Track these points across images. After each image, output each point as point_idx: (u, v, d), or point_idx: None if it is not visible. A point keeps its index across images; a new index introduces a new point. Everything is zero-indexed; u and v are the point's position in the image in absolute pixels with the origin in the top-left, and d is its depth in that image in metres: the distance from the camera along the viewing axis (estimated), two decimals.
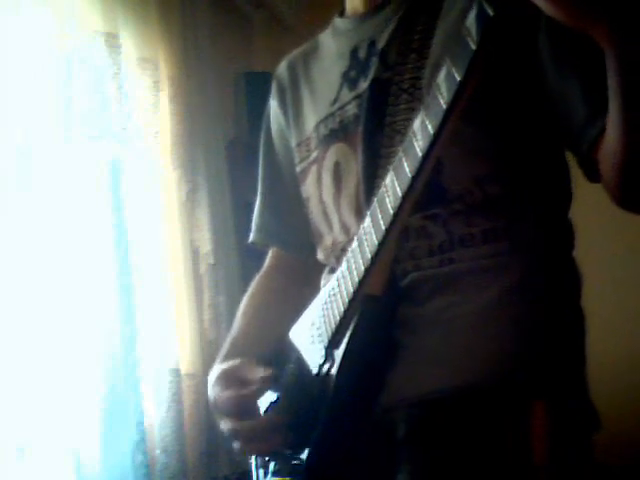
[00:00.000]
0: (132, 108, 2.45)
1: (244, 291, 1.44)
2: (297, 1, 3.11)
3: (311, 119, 1.24)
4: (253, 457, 1.28)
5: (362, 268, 1.05)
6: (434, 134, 0.89)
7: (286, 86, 1.32)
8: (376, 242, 1.02)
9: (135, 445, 2.29)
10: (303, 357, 1.20)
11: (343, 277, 1.10)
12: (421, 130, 0.92)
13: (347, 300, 1.09)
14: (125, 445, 2.27)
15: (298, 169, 1.28)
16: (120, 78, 2.40)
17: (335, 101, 1.19)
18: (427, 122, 0.90)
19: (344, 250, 1.12)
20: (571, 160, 1.05)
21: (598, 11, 0.75)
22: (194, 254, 2.62)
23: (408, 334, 1.07)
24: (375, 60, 1.14)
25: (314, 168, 1.23)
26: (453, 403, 1.03)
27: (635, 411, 2.43)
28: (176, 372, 2.47)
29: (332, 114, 1.19)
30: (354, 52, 1.19)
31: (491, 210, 1.06)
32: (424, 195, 1.03)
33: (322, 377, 1.12)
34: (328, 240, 1.22)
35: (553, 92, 0.99)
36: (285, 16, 3.12)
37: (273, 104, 1.36)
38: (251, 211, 1.45)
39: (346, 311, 1.09)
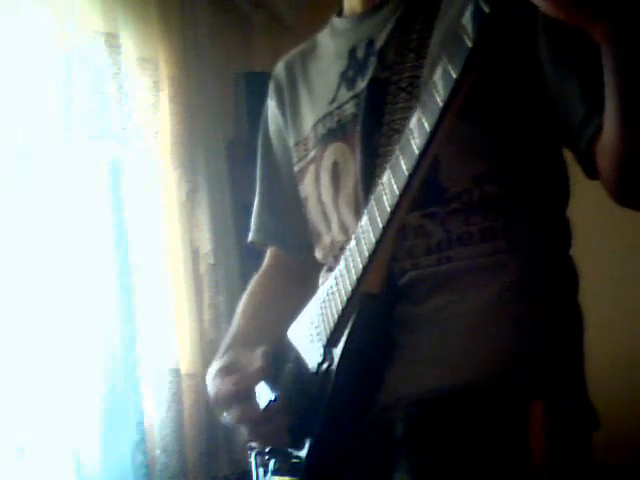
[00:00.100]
0: (132, 108, 2.45)
1: (244, 291, 1.44)
2: (297, 1, 3.11)
3: (309, 119, 1.24)
4: (253, 456, 1.27)
5: (360, 266, 1.05)
6: (431, 132, 0.89)
7: (284, 86, 1.32)
8: (374, 240, 1.02)
9: (135, 445, 2.29)
10: (302, 356, 1.20)
11: (341, 275, 1.10)
12: (418, 128, 0.92)
13: (345, 298, 1.09)
14: (125, 445, 2.27)
15: (296, 168, 1.28)
16: (120, 78, 2.40)
17: (333, 100, 1.19)
18: (424, 120, 0.90)
19: (343, 249, 1.12)
20: (569, 158, 1.05)
21: (596, 9, 0.75)
22: (194, 254, 2.62)
23: (406, 333, 1.07)
24: (373, 60, 1.14)
25: (312, 167, 1.23)
26: (451, 402, 1.03)
27: (634, 410, 2.43)
28: (176, 372, 2.47)
29: (330, 113, 1.19)
30: (352, 52, 1.19)
31: (489, 209, 1.06)
32: (422, 194, 1.03)
33: (321, 376, 1.12)
34: (326, 239, 1.22)
35: (551, 90, 0.99)
36: (285, 16, 3.12)
37: (271, 104, 1.36)
38: (251, 211, 1.45)
39: (344, 309, 1.09)
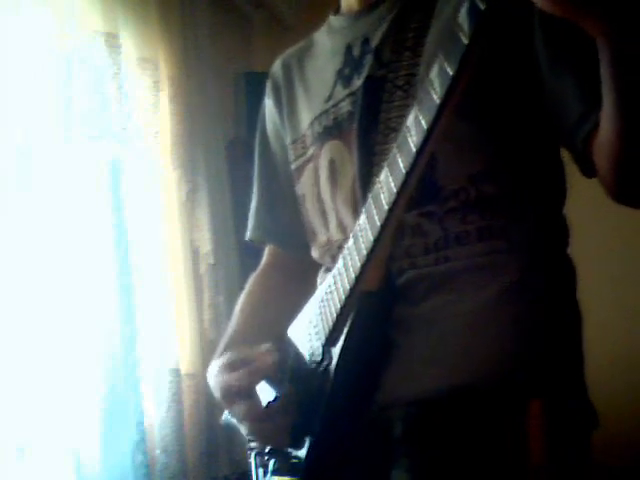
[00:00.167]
0: (132, 108, 2.45)
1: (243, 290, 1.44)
2: (297, 1, 3.11)
3: (306, 117, 1.24)
4: (252, 456, 1.27)
5: (358, 264, 1.05)
6: (428, 129, 0.90)
7: (281, 84, 1.33)
8: (371, 238, 1.02)
9: (135, 445, 2.28)
10: (301, 355, 1.20)
11: (339, 274, 1.10)
12: (415, 125, 0.92)
13: (344, 297, 1.09)
14: (125, 445, 2.27)
15: (293, 167, 1.28)
16: (120, 78, 2.39)
17: (329, 98, 1.19)
18: (420, 117, 0.90)
19: (340, 248, 1.12)
20: (566, 156, 1.05)
21: (591, 4, 0.76)
22: (194, 254, 2.62)
23: (404, 333, 1.07)
24: (369, 58, 1.14)
25: (310, 166, 1.23)
26: (450, 402, 1.03)
27: (634, 410, 2.43)
28: (176, 372, 2.47)
29: (326, 111, 1.19)
30: (348, 50, 1.19)
31: (486, 208, 1.06)
32: (419, 192, 1.03)
33: (320, 375, 1.12)
34: (323, 238, 1.22)
35: (548, 87, 0.99)
36: (285, 16, 3.12)
37: (268, 103, 1.36)
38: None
39: (343, 308, 1.09)
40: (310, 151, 1.23)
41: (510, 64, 1.01)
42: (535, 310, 1.06)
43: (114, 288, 2.32)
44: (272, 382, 1.12)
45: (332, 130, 1.18)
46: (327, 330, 1.12)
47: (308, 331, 1.18)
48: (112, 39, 2.38)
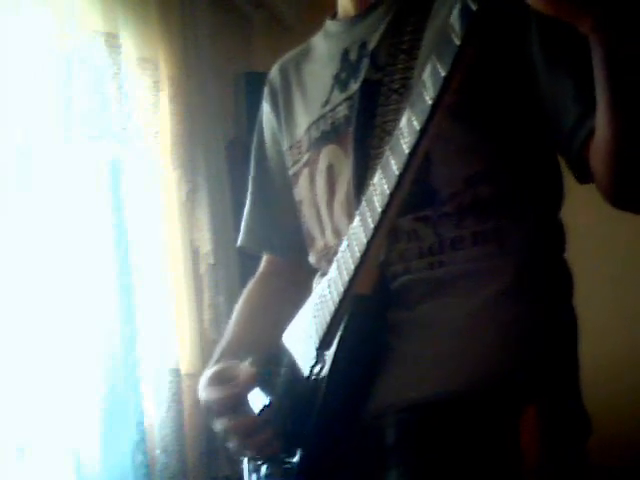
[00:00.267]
0: (132, 108, 2.45)
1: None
2: (297, 1, 3.11)
3: (303, 121, 1.24)
4: (245, 461, 1.27)
5: (352, 267, 1.05)
6: (420, 130, 0.90)
7: (278, 89, 1.32)
8: (365, 241, 1.02)
9: (135, 445, 2.28)
10: (295, 360, 1.19)
11: (333, 278, 1.10)
12: (407, 127, 0.92)
13: (337, 300, 1.08)
14: (125, 445, 2.27)
15: (290, 172, 1.28)
16: (120, 78, 2.39)
17: (326, 103, 1.19)
18: (413, 119, 0.90)
19: (336, 254, 1.11)
20: (562, 160, 1.05)
21: (584, 4, 0.76)
22: (194, 254, 2.62)
23: (399, 338, 1.06)
24: (366, 61, 1.14)
25: (306, 171, 1.23)
26: (445, 407, 1.02)
27: (633, 411, 2.43)
28: (176, 372, 2.47)
29: (323, 116, 1.19)
30: (345, 54, 1.19)
31: (481, 212, 1.05)
32: (414, 196, 1.03)
33: (314, 379, 1.12)
34: (320, 243, 1.22)
35: (543, 91, 0.99)
36: (285, 16, 3.12)
37: (266, 108, 1.36)
38: None
39: (336, 311, 1.09)
40: (305, 156, 1.23)
41: (505, 65, 1.01)
42: (530, 314, 1.06)
43: (114, 288, 2.32)
44: (266, 389, 1.13)
45: (329, 135, 1.18)
46: (321, 333, 1.12)
47: (303, 335, 1.18)
48: (112, 39, 2.38)
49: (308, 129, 1.22)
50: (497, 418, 1.01)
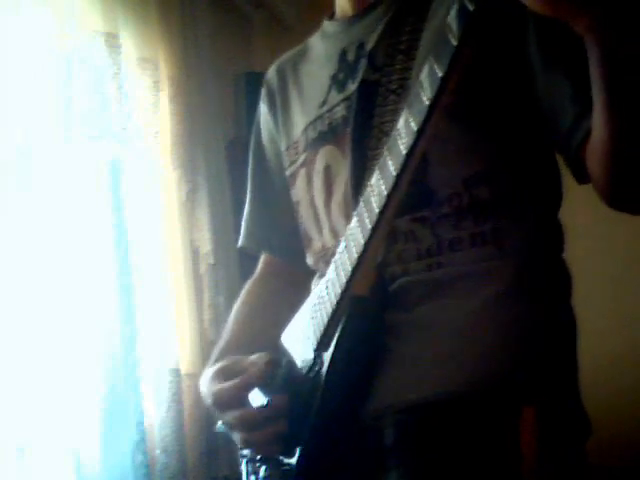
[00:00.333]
0: (132, 108, 2.45)
1: None
2: (297, 1, 3.11)
3: (300, 122, 1.24)
4: (244, 463, 1.27)
5: (349, 268, 1.05)
6: (417, 131, 0.89)
7: (275, 90, 1.32)
8: (362, 242, 1.01)
9: (135, 445, 2.28)
10: (293, 360, 1.19)
11: (331, 279, 1.10)
12: (405, 128, 0.92)
13: (335, 301, 1.08)
14: (125, 445, 2.27)
15: (288, 173, 1.27)
16: (120, 78, 2.39)
17: (324, 103, 1.18)
18: (410, 119, 0.90)
19: (334, 255, 1.11)
20: (561, 160, 1.05)
21: (580, 4, 0.76)
22: (194, 254, 2.62)
23: (397, 339, 1.06)
24: (363, 62, 1.14)
25: (303, 171, 1.22)
26: (444, 408, 1.01)
27: (633, 411, 2.43)
28: (176, 372, 2.47)
29: (321, 116, 1.19)
30: (343, 55, 1.18)
31: (480, 213, 1.05)
32: (412, 197, 1.03)
33: (311, 380, 1.11)
34: (317, 245, 1.22)
35: (541, 90, 0.98)
36: (285, 16, 3.12)
37: (263, 109, 1.36)
38: None
39: (334, 312, 1.09)
40: (302, 157, 1.22)
41: (503, 66, 1.01)
42: (530, 314, 1.05)
43: (114, 288, 2.32)
44: (265, 390, 1.12)
45: (327, 135, 1.17)
46: (319, 335, 1.12)
47: (300, 336, 1.18)
48: (112, 39, 2.38)
49: (305, 130, 1.22)
50: (496, 418, 1.01)
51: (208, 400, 1.20)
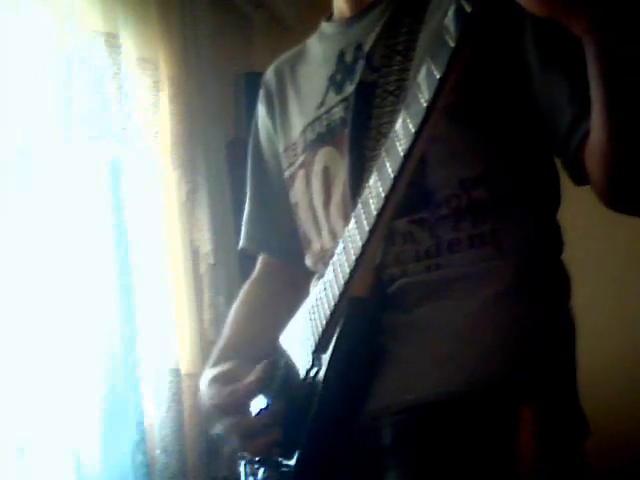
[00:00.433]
0: (132, 108, 2.45)
1: None
2: (297, 1, 3.11)
3: (298, 123, 1.24)
4: (242, 464, 1.27)
5: (347, 270, 1.05)
6: (415, 133, 0.90)
7: (273, 91, 1.32)
8: (360, 244, 1.01)
9: (135, 445, 2.28)
10: (292, 362, 1.19)
11: (329, 281, 1.10)
12: (402, 129, 0.92)
13: (333, 303, 1.08)
14: (125, 445, 2.27)
15: (286, 174, 1.27)
16: (120, 78, 2.39)
17: (322, 105, 1.19)
18: (408, 121, 0.90)
19: (333, 256, 1.11)
20: (559, 161, 1.05)
21: (577, 6, 0.76)
22: (194, 254, 2.62)
23: (396, 340, 1.06)
24: (361, 63, 1.14)
25: (301, 173, 1.22)
26: (442, 409, 1.02)
27: (633, 411, 2.43)
28: (176, 372, 2.47)
29: (319, 118, 1.19)
30: (341, 56, 1.18)
31: (478, 214, 1.05)
32: (410, 199, 1.03)
33: (310, 382, 1.11)
34: (316, 246, 1.22)
35: (539, 92, 0.98)
36: (285, 16, 3.12)
37: (261, 111, 1.36)
38: None
39: (332, 314, 1.09)
40: (301, 158, 1.22)
41: (501, 67, 1.01)
42: (529, 315, 1.05)
43: (114, 288, 2.32)
44: (263, 392, 1.13)
45: (325, 136, 1.17)
46: (317, 336, 1.12)
47: (299, 338, 1.18)
48: (112, 39, 2.38)
49: (303, 131, 1.22)
50: (495, 418, 1.01)
51: (206, 403, 1.20)
